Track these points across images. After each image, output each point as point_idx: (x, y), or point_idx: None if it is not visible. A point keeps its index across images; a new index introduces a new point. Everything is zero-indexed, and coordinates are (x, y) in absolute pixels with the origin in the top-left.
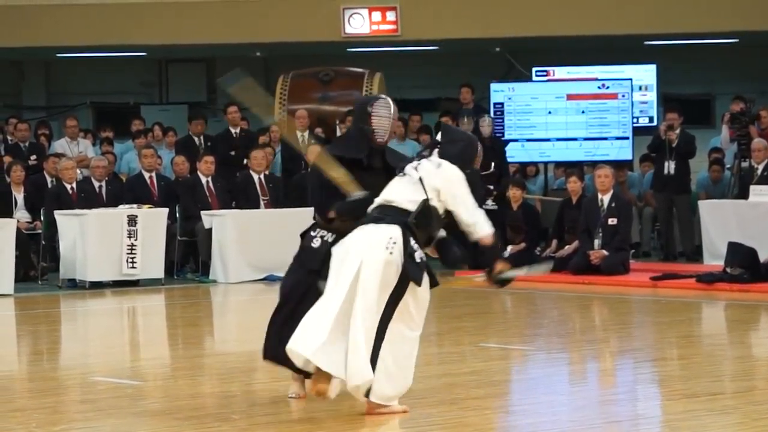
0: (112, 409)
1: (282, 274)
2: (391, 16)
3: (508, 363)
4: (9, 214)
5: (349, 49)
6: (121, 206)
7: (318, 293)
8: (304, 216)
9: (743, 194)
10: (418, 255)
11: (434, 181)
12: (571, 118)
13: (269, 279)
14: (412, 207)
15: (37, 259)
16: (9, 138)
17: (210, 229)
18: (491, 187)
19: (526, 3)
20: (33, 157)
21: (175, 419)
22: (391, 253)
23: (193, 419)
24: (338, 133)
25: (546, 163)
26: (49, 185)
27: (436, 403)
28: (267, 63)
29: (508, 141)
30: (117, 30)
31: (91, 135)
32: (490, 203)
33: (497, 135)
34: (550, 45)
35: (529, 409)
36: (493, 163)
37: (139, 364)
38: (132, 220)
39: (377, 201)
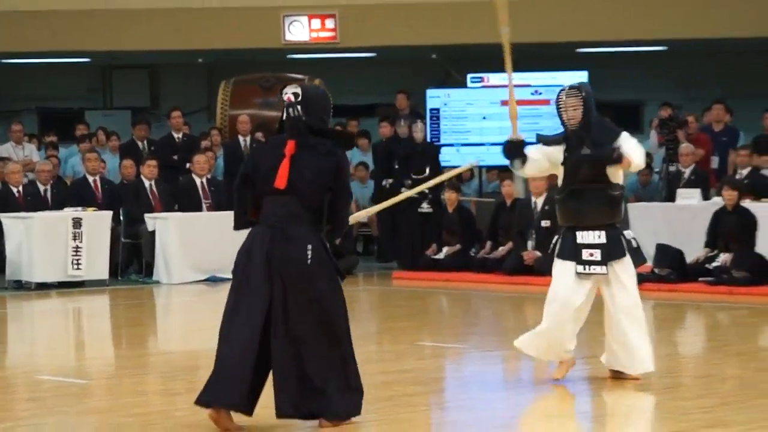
0: (57, 406)
1: (224, 276)
2: (330, 23)
3: (443, 361)
4: None
5: (289, 56)
6: (66, 209)
7: None
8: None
9: (671, 197)
10: None
11: None
12: (505, 123)
13: (211, 280)
14: None
15: None
16: None
17: (153, 232)
18: (426, 191)
19: (461, 12)
20: None
21: (120, 416)
22: None
23: (138, 416)
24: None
25: (481, 167)
26: None
27: (374, 399)
28: (209, 70)
29: (441, 146)
30: (62, 36)
31: (36, 139)
32: (425, 206)
33: (433, 140)
34: (485, 52)
35: (463, 405)
36: (427, 168)
37: (85, 363)
38: (77, 223)
39: None
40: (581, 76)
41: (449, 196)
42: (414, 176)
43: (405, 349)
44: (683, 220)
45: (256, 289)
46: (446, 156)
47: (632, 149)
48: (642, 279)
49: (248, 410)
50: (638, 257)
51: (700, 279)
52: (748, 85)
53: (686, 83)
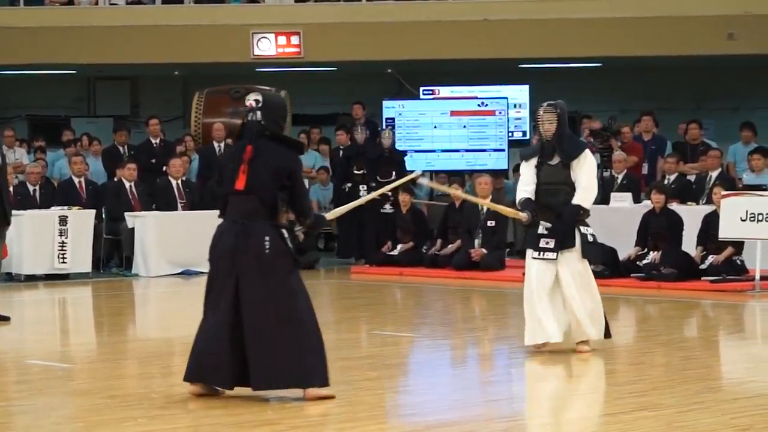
0: (45, 388)
1: (198, 269)
2: (295, 40)
3: (398, 348)
4: None
5: (257, 69)
6: (53, 208)
7: None
8: (216, 219)
9: (605, 200)
10: None
11: None
12: (454, 131)
13: (185, 273)
14: None
15: None
16: None
17: (133, 229)
18: (389, 194)
19: (414, 30)
20: None
21: (101, 398)
22: None
23: (117, 398)
24: None
25: (432, 172)
26: None
27: (334, 383)
28: (185, 81)
29: (406, 152)
30: (50, 50)
31: (26, 144)
32: (388, 207)
33: (396, 147)
34: (436, 67)
35: (416, 389)
36: (393, 172)
37: (69, 349)
38: (63, 220)
39: None
40: (523, 90)
41: (403, 198)
42: (380, 179)
43: (362, 338)
44: (616, 221)
45: (223, 279)
46: None
47: (583, 186)
48: None
49: (228, 386)
50: (590, 252)
51: (631, 275)
52: (674, 99)
53: (620, 96)
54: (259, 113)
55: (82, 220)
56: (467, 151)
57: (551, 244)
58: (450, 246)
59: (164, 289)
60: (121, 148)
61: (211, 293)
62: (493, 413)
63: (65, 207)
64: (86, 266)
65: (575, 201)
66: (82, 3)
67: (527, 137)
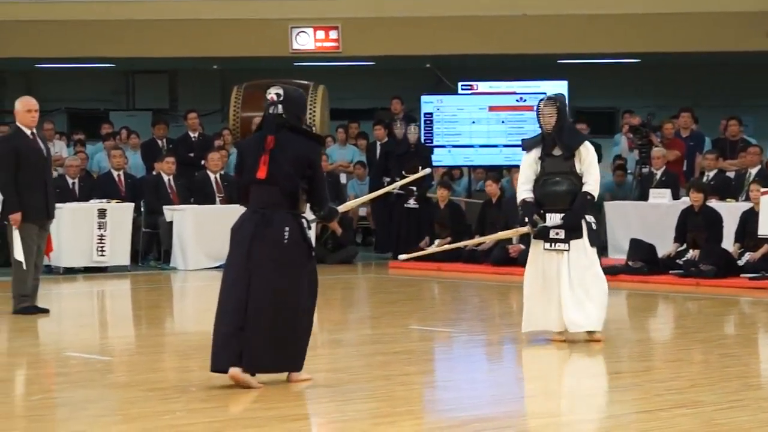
0: (83, 381)
1: None
2: (333, 34)
3: (434, 344)
4: None
5: (295, 64)
6: (92, 201)
7: None
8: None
9: (644, 196)
10: None
11: None
12: (493, 127)
13: (223, 267)
14: None
15: None
16: None
17: (171, 222)
18: (413, 188)
19: (453, 25)
20: None
21: (140, 391)
22: None
23: (156, 390)
24: None
25: (470, 167)
26: None
27: (371, 378)
28: (223, 75)
29: (434, 147)
30: (90, 44)
31: (65, 137)
32: (411, 202)
33: (426, 142)
34: (475, 62)
35: (452, 384)
36: (420, 167)
37: (108, 342)
38: (102, 213)
39: None
40: (561, 85)
41: (441, 194)
42: (406, 174)
43: (399, 332)
44: (655, 218)
45: (240, 265)
46: (439, 156)
47: (592, 174)
48: (616, 271)
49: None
50: (594, 239)
51: (670, 272)
52: (713, 95)
53: (657, 92)
54: (280, 106)
55: (121, 214)
56: (505, 146)
57: (561, 235)
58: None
59: (202, 283)
60: (159, 142)
61: (225, 281)
62: (530, 409)
63: (104, 200)
64: (125, 259)
65: (585, 189)
66: None
67: None
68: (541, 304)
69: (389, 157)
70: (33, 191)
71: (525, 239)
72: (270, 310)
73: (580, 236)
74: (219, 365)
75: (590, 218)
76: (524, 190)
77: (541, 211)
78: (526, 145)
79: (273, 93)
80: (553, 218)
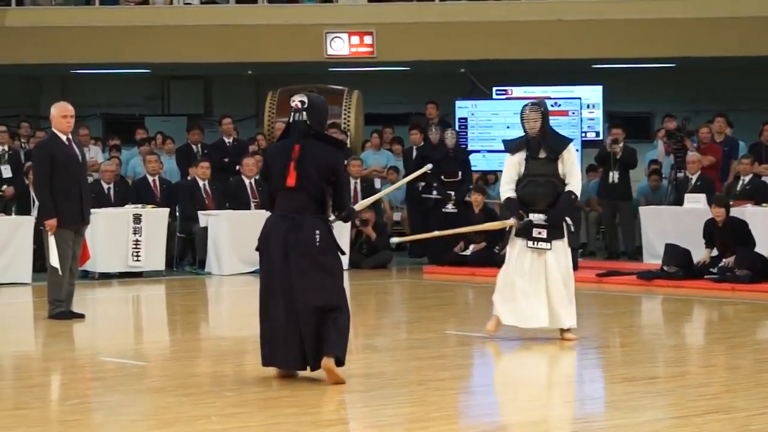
0: (118, 385)
1: None
2: (368, 39)
3: (469, 349)
4: (27, 212)
5: (330, 69)
6: (127, 206)
7: None
8: None
9: (679, 201)
10: None
11: None
12: None
13: (258, 272)
14: None
15: None
16: (25, 144)
17: (206, 227)
18: (451, 193)
19: (487, 30)
20: None
21: (174, 395)
22: None
23: (190, 395)
24: None
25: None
26: None
27: (405, 383)
28: (258, 80)
29: (471, 151)
30: (125, 49)
31: (100, 142)
32: (450, 207)
33: (461, 146)
34: (509, 67)
35: (486, 390)
36: (459, 171)
37: (143, 347)
38: (137, 219)
39: None
40: (596, 90)
41: (475, 198)
42: (445, 179)
43: (434, 337)
44: (690, 222)
45: (277, 269)
46: (474, 161)
47: (575, 176)
48: (652, 276)
49: (302, 368)
50: (573, 239)
51: (705, 276)
52: (748, 100)
53: (693, 97)
54: (304, 113)
55: (156, 219)
56: None
57: (544, 234)
58: None
59: (237, 288)
60: (194, 147)
61: (267, 285)
62: (565, 414)
63: (139, 205)
64: (160, 264)
65: (569, 189)
66: (156, 2)
67: (600, 137)
68: (516, 300)
69: (426, 161)
70: (68, 197)
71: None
72: (314, 310)
73: (562, 236)
74: (270, 362)
75: (569, 221)
76: (507, 189)
77: (521, 211)
78: (510, 148)
79: (297, 100)
80: (536, 218)
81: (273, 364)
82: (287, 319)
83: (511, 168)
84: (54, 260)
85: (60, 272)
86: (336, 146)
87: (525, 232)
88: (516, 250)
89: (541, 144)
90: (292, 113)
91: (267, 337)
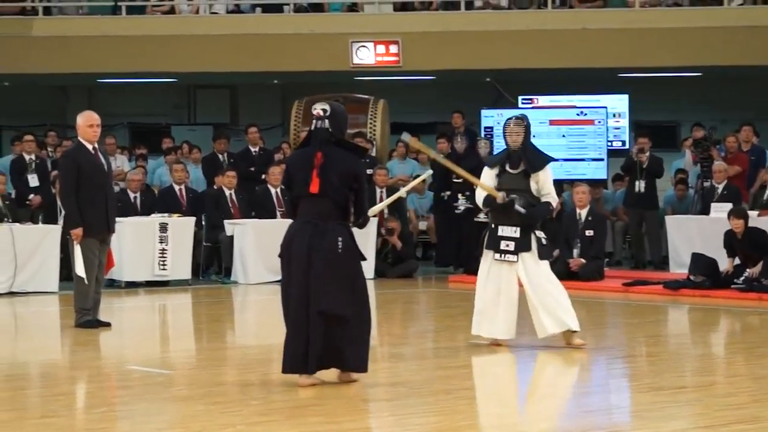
0: (144, 394)
1: None
2: (393, 49)
3: (495, 358)
4: (54, 221)
5: (356, 78)
6: (153, 215)
7: None
8: None
9: (705, 211)
10: None
11: None
12: (553, 141)
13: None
14: None
15: None
16: (52, 153)
17: (232, 236)
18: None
19: (513, 38)
20: None
21: (201, 404)
22: None
23: (217, 404)
24: None
25: None
26: None
27: (432, 392)
28: (284, 89)
29: None
30: (151, 59)
31: (127, 151)
32: (482, 216)
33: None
34: (535, 76)
35: (512, 399)
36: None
37: (169, 355)
38: (163, 227)
39: None
40: (622, 99)
41: None
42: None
43: (460, 346)
44: (717, 232)
45: (301, 275)
46: None
47: (550, 193)
48: (678, 285)
49: (313, 371)
50: (544, 252)
51: (731, 286)
52: None
53: (719, 106)
54: (326, 121)
55: (182, 228)
56: (566, 160)
57: (511, 247)
58: None
59: (263, 297)
60: (220, 156)
61: (289, 291)
62: (590, 424)
63: (165, 214)
64: (186, 273)
65: (546, 200)
66: (183, 12)
67: (626, 146)
68: (490, 312)
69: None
70: (94, 206)
71: (585, 254)
72: (323, 314)
73: (529, 249)
74: (290, 369)
75: (540, 233)
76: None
77: (494, 224)
78: (491, 163)
79: (319, 108)
80: (507, 231)
81: (289, 371)
82: (301, 324)
83: (488, 179)
84: (80, 269)
85: (86, 281)
86: (357, 153)
87: (493, 244)
88: (487, 263)
89: (521, 158)
90: (314, 121)
91: (287, 344)
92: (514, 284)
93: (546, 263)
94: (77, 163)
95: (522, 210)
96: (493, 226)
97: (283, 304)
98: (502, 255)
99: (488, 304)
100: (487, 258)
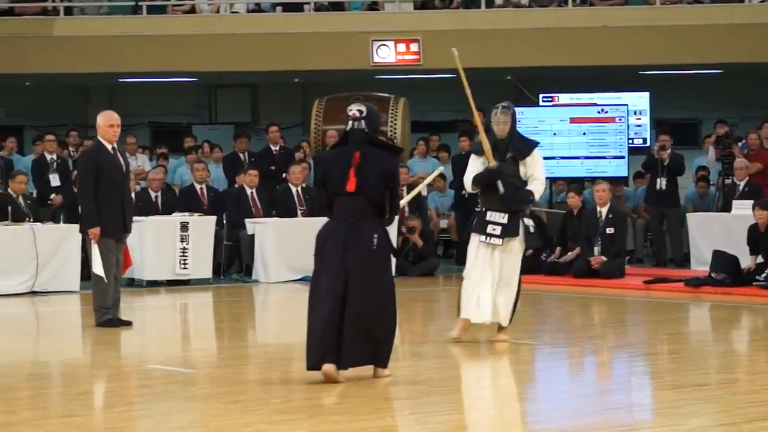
0: (166, 393)
1: None
2: (414, 47)
3: (517, 356)
4: (75, 220)
5: (376, 77)
6: (174, 214)
7: None
8: None
9: (726, 208)
10: None
11: None
12: (574, 139)
13: (305, 279)
14: None
15: None
16: (74, 153)
17: (253, 235)
18: None
19: (533, 37)
20: None
21: (222, 403)
22: None
23: (238, 403)
24: None
25: (551, 179)
26: None
27: (453, 390)
28: (305, 88)
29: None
30: (172, 58)
31: (148, 151)
32: None
33: None
34: (555, 74)
35: (535, 397)
36: None
37: (190, 354)
38: (184, 227)
39: None
40: (643, 97)
41: None
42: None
43: (481, 344)
44: (738, 229)
45: (334, 270)
46: None
47: (538, 179)
48: (699, 282)
49: (341, 366)
50: (531, 240)
51: (753, 283)
52: None
53: (740, 103)
54: (363, 122)
55: (203, 227)
56: (587, 158)
57: (497, 231)
58: (569, 254)
59: (284, 295)
60: (241, 155)
61: (319, 285)
62: (612, 422)
63: (186, 213)
64: (207, 272)
65: (530, 187)
66: (203, 11)
67: (648, 144)
68: (478, 296)
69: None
70: (111, 205)
71: (606, 251)
72: (366, 311)
73: (516, 234)
74: (314, 363)
75: (528, 221)
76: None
77: (484, 209)
78: (476, 150)
79: (355, 109)
80: (495, 216)
81: (318, 366)
82: (335, 321)
83: (474, 168)
84: (99, 269)
85: (105, 280)
86: (393, 153)
87: (480, 228)
88: (474, 247)
89: (508, 146)
90: (350, 121)
91: (314, 339)
92: (500, 267)
93: (520, 256)
94: (96, 162)
95: (501, 189)
96: (482, 209)
97: (312, 299)
98: (488, 238)
99: (476, 287)
100: (474, 242)
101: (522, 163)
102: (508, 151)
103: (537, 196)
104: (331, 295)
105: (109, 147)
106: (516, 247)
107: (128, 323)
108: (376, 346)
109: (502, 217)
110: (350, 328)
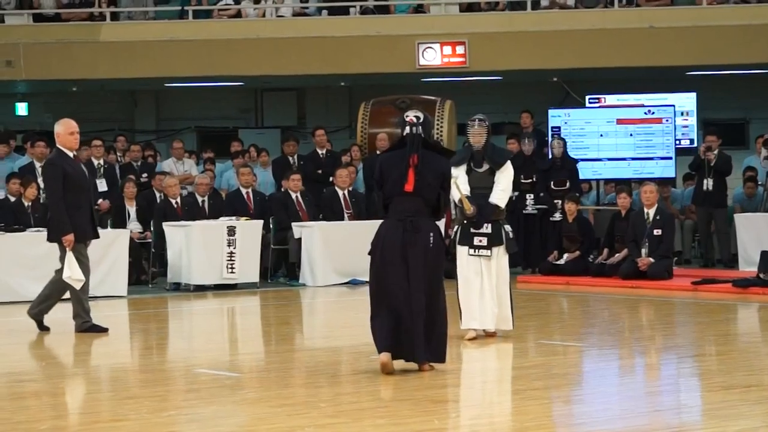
0: (213, 397)
1: (364, 279)
2: (460, 49)
3: (565, 358)
4: (123, 225)
5: (422, 79)
6: (221, 218)
7: None
8: None
9: None
10: None
11: None
12: (621, 140)
13: (352, 282)
14: None
15: (148, 265)
16: (121, 158)
17: (300, 239)
18: (558, 202)
19: (579, 38)
20: (144, 175)
21: (270, 407)
22: None
23: (286, 407)
24: None
25: (598, 180)
26: (158, 200)
27: (501, 392)
28: (351, 91)
29: (578, 160)
30: (218, 63)
31: (194, 155)
32: (557, 216)
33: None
34: (602, 75)
35: (583, 399)
36: (568, 180)
37: (237, 358)
38: (231, 231)
39: None
40: (690, 97)
41: (569, 207)
42: (554, 188)
43: (529, 347)
44: None
45: (395, 266)
46: None
47: (501, 185)
48: (747, 283)
49: (417, 359)
50: (511, 245)
51: None
52: None
53: None
54: (420, 127)
55: (250, 231)
56: (634, 159)
57: (484, 242)
58: (617, 255)
59: (331, 299)
60: (290, 159)
61: (383, 280)
62: (660, 423)
63: (233, 217)
64: (254, 276)
65: (492, 200)
66: (249, 15)
67: (695, 145)
68: (475, 304)
69: (519, 171)
70: (80, 212)
71: (653, 252)
72: (426, 307)
73: (501, 243)
74: (384, 347)
75: (507, 227)
76: (465, 189)
77: (464, 222)
78: (454, 162)
79: (412, 116)
80: (479, 227)
81: (395, 353)
82: (403, 316)
83: (462, 175)
84: (77, 274)
85: (86, 285)
86: (446, 155)
87: (466, 240)
88: (463, 260)
89: (484, 157)
90: (408, 126)
91: (388, 327)
92: (492, 275)
93: (507, 260)
94: (63, 170)
95: (485, 230)
96: (464, 222)
97: (374, 297)
98: (476, 250)
99: (473, 298)
100: (462, 254)
101: (498, 173)
102: (484, 162)
103: (502, 204)
104: (401, 295)
105: (70, 154)
106: (502, 252)
107: (105, 330)
108: (437, 340)
109: (486, 227)
110: (417, 325)
